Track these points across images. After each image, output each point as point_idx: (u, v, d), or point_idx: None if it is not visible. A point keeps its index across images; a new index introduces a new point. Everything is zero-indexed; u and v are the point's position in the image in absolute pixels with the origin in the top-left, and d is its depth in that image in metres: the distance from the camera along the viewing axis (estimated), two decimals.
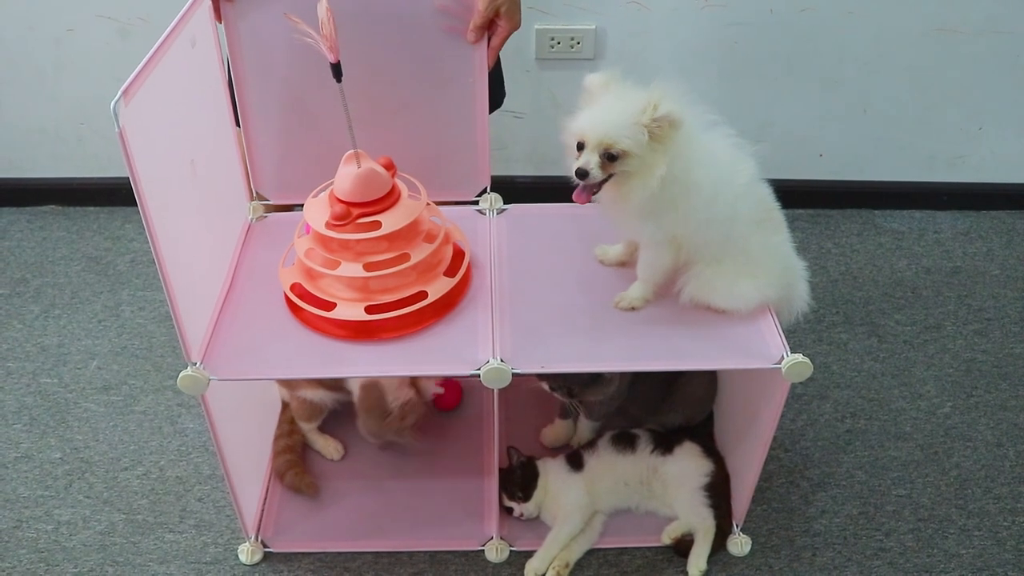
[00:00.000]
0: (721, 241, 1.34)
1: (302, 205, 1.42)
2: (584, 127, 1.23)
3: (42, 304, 2.19)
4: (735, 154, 1.31)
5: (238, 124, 1.55)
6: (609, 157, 1.22)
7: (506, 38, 1.48)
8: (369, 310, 1.35)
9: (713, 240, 1.33)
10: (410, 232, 1.37)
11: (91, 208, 2.51)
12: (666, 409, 1.70)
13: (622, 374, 1.58)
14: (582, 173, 1.23)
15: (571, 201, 1.29)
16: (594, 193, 1.27)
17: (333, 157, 1.36)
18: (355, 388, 1.65)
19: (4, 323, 2.14)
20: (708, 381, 1.72)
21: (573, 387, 1.56)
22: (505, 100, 1.74)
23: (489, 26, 1.46)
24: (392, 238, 1.35)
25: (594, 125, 1.22)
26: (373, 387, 1.61)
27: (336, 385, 1.68)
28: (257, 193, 1.64)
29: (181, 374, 1.29)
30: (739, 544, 1.62)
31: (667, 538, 1.61)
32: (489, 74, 1.52)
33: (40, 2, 2.19)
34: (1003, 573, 1.60)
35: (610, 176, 1.25)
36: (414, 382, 1.66)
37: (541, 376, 1.58)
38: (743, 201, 1.32)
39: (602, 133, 1.21)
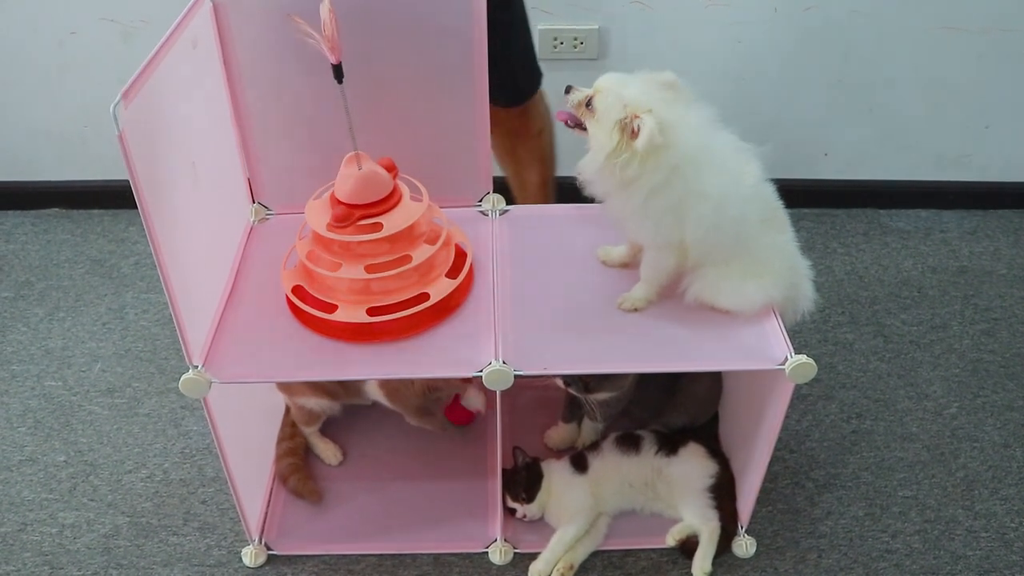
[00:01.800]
0: (731, 244, 1.34)
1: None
2: (604, 75, 1.32)
3: (46, 307, 2.20)
4: (740, 158, 1.31)
5: None
6: (588, 103, 1.30)
7: None
8: (371, 312, 1.35)
9: (724, 243, 1.34)
10: (411, 234, 1.37)
11: (95, 211, 2.52)
12: (670, 410, 1.69)
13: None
14: (568, 88, 1.33)
15: (573, 202, 1.29)
16: (570, 126, 1.34)
17: (333, 167, 1.36)
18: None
19: (9, 326, 2.14)
20: (712, 382, 1.72)
21: (590, 382, 1.55)
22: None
23: None
24: (393, 240, 1.35)
25: (607, 77, 1.31)
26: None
27: (335, 392, 1.68)
28: (259, 203, 1.64)
29: (183, 377, 1.29)
30: (744, 545, 1.61)
31: (672, 540, 1.60)
32: (517, 60, 1.54)
33: (43, 5, 2.20)
34: (1010, 575, 1.59)
35: (581, 125, 1.32)
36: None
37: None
38: (750, 203, 1.32)
39: (601, 82, 1.30)
